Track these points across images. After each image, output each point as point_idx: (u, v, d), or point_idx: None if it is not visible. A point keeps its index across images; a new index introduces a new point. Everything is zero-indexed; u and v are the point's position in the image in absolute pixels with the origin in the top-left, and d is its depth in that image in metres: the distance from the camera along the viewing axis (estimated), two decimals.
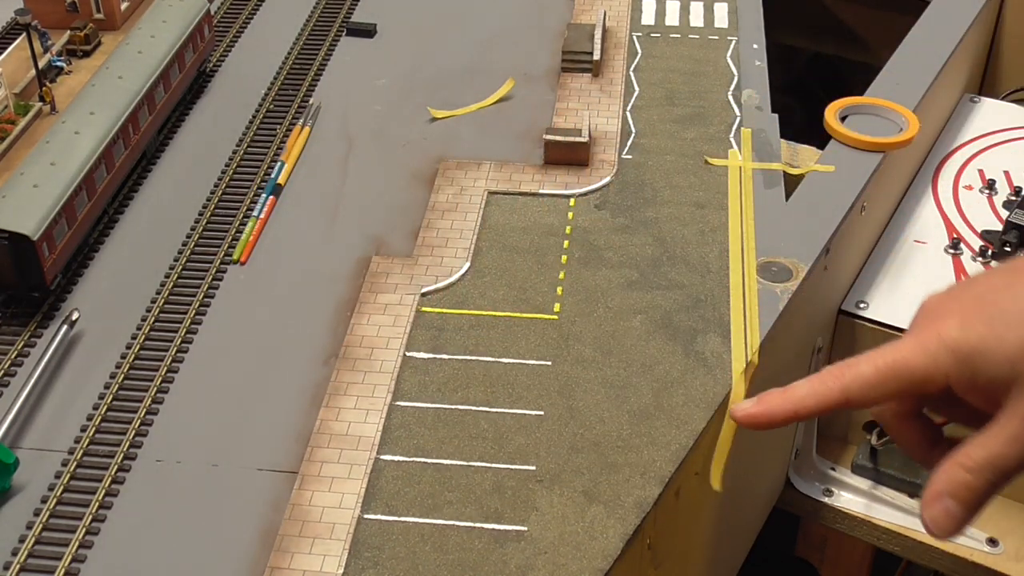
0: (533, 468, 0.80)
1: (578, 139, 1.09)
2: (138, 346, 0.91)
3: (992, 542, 1.05)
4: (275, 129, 1.16)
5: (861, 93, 1.17)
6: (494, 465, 0.81)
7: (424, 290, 0.95)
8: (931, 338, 0.68)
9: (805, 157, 1.09)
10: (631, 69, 1.24)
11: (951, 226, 1.17)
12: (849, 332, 1.08)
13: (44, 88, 1.16)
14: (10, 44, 1.25)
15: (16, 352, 0.91)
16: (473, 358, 0.89)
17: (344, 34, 1.32)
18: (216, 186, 1.09)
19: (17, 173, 0.97)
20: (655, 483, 0.79)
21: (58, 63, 1.21)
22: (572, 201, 1.05)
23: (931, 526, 0.68)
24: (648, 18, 1.34)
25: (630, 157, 1.11)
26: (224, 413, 0.86)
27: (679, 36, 1.30)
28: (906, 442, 0.75)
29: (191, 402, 0.87)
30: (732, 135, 1.13)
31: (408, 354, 0.89)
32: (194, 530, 0.77)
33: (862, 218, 1.08)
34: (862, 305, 1.08)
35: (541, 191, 1.07)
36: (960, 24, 1.30)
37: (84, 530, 0.77)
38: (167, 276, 0.98)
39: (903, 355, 0.69)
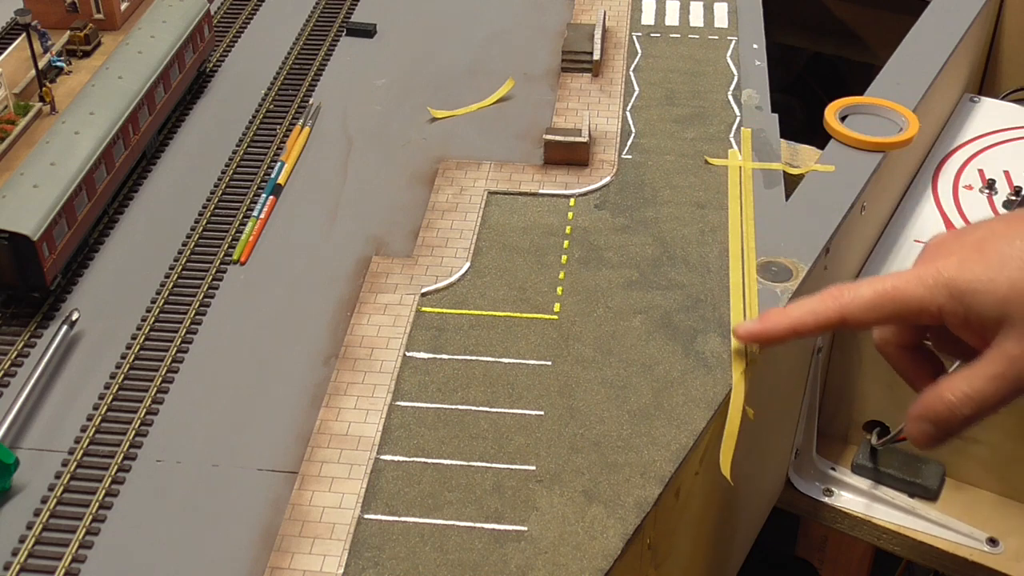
0: (533, 468, 0.80)
1: (578, 139, 1.09)
2: (138, 346, 0.91)
3: (992, 542, 1.05)
4: (275, 129, 1.16)
5: (861, 93, 1.17)
6: (494, 465, 0.81)
7: (424, 290, 0.95)
8: (930, 272, 0.73)
9: (805, 157, 1.09)
10: (631, 69, 1.24)
11: (951, 226, 1.17)
12: (849, 332, 1.08)
13: (44, 88, 1.16)
14: (10, 44, 1.25)
15: (16, 352, 0.91)
16: (473, 358, 0.89)
17: (344, 34, 1.32)
18: (216, 186, 1.09)
19: (17, 173, 0.97)
20: (655, 483, 0.79)
21: (58, 63, 1.21)
22: (572, 201, 1.05)
23: (910, 439, 0.76)
24: (648, 18, 1.34)
25: (630, 157, 1.11)
26: (224, 413, 0.86)
27: (679, 36, 1.30)
28: (905, 372, 0.80)
29: (191, 402, 0.87)
30: (732, 135, 1.13)
31: (408, 354, 0.90)
32: (194, 530, 0.77)
33: (862, 218, 1.08)
34: None
35: (541, 191, 1.07)
36: (960, 24, 1.30)
37: (84, 530, 0.77)
38: (167, 276, 0.98)
39: (902, 283, 0.74)
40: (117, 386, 0.87)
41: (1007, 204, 1.19)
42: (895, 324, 0.79)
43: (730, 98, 1.19)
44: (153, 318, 0.94)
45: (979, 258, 0.72)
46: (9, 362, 0.90)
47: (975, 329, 0.72)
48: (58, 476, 0.80)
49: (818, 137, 1.12)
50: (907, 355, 0.80)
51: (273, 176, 1.09)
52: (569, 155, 1.09)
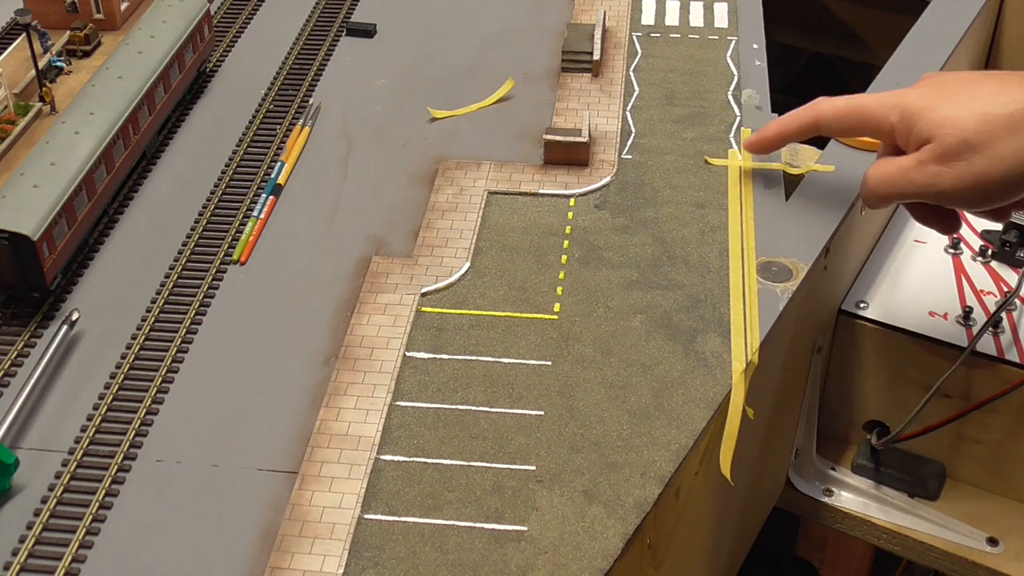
0: (533, 468, 0.80)
1: (578, 139, 1.09)
2: (138, 346, 0.91)
3: (992, 542, 1.05)
4: (275, 129, 1.17)
5: (861, 93, 1.16)
6: (494, 465, 0.81)
7: (424, 290, 0.95)
8: (894, 96, 0.90)
9: (805, 157, 1.09)
10: (631, 69, 1.24)
11: None
12: (849, 332, 1.08)
13: (44, 88, 1.16)
14: (10, 44, 1.25)
15: (16, 352, 0.91)
16: (473, 358, 0.89)
17: (344, 34, 1.32)
18: (216, 186, 1.09)
19: (17, 173, 0.97)
20: (655, 483, 0.79)
21: (58, 63, 1.21)
22: (572, 201, 1.05)
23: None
24: (648, 18, 1.34)
25: (630, 157, 1.11)
26: (224, 413, 0.86)
27: (679, 36, 1.30)
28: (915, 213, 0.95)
29: (191, 402, 0.87)
30: (732, 135, 1.13)
31: (408, 354, 0.90)
32: (194, 530, 0.77)
33: (862, 218, 1.08)
34: (862, 305, 1.08)
35: (541, 191, 1.07)
36: (960, 24, 1.30)
37: (84, 530, 0.77)
38: (167, 276, 0.98)
39: (868, 101, 0.92)
40: (117, 386, 0.87)
41: None
42: (858, 135, 0.99)
43: (730, 98, 1.19)
44: (153, 318, 0.94)
45: (936, 91, 0.87)
46: (9, 362, 0.90)
47: (914, 147, 0.87)
48: (58, 476, 0.80)
49: (818, 137, 1.12)
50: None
51: (273, 176, 1.09)
52: (569, 155, 1.09)
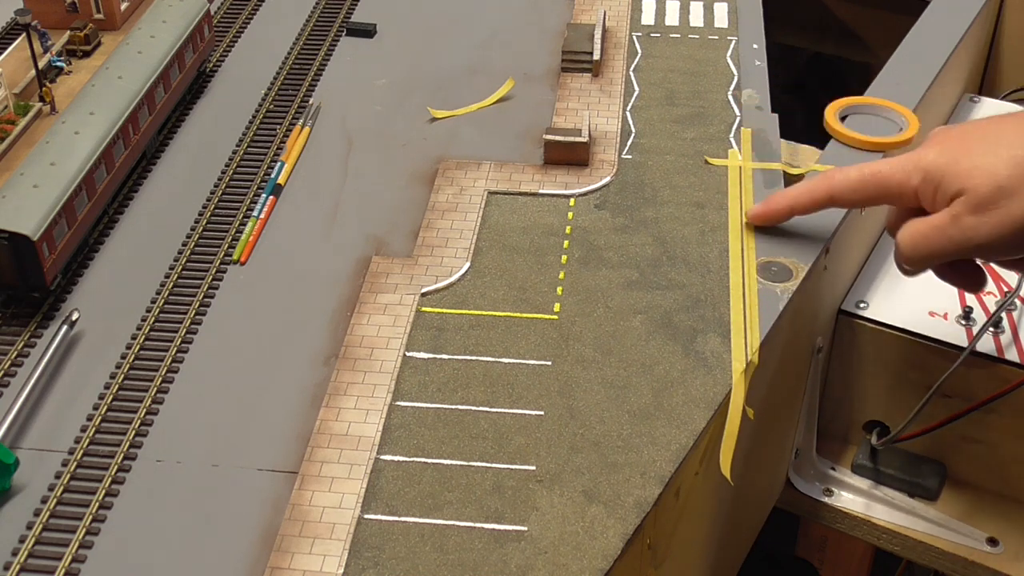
0: (533, 468, 0.80)
1: (578, 139, 1.09)
2: (138, 346, 0.91)
3: (992, 542, 1.05)
4: (275, 129, 1.17)
5: (861, 93, 1.17)
6: (494, 465, 0.81)
7: (424, 290, 0.95)
8: (911, 158, 0.86)
9: (805, 157, 1.09)
10: (631, 69, 1.24)
11: None
12: (849, 332, 1.08)
13: (44, 88, 1.16)
14: (10, 44, 1.25)
15: (16, 352, 0.91)
16: (473, 358, 0.89)
17: (344, 34, 1.32)
18: (216, 186, 1.09)
19: (17, 173, 0.97)
20: (655, 483, 0.79)
21: (58, 63, 1.21)
22: (572, 201, 1.05)
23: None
24: (648, 18, 1.34)
25: (630, 157, 1.11)
26: (224, 413, 0.86)
27: (679, 36, 1.30)
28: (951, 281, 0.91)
29: (191, 402, 0.87)
30: (732, 135, 1.13)
31: (408, 354, 0.90)
32: (194, 530, 0.77)
33: (862, 218, 1.08)
34: (862, 305, 1.08)
35: (541, 191, 1.07)
36: (960, 24, 1.30)
37: (84, 530, 0.77)
38: (167, 276, 0.98)
39: (885, 168, 0.88)
40: (117, 386, 0.87)
41: None
42: (878, 204, 0.92)
43: (730, 98, 1.19)
44: (153, 318, 0.94)
45: (956, 145, 0.83)
46: (9, 362, 0.90)
47: (942, 205, 0.84)
48: (58, 476, 0.80)
49: (818, 137, 1.12)
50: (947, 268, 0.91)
51: (273, 176, 1.09)
52: (569, 155, 1.09)
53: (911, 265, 0.88)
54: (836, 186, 0.91)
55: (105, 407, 0.86)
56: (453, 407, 0.85)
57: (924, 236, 0.84)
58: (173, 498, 0.79)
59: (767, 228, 1.00)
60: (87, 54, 1.24)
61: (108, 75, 1.09)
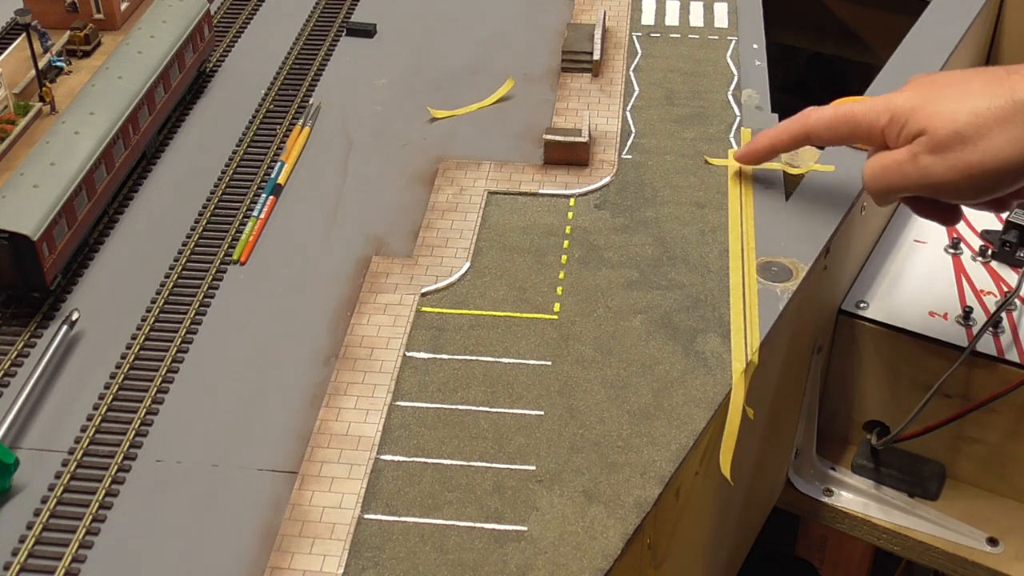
0: (533, 468, 0.80)
1: (578, 139, 1.09)
2: (138, 346, 0.91)
3: (992, 542, 1.05)
4: (275, 129, 1.17)
5: (861, 93, 1.16)
6: (494, 465, 0.81)
7: (424, 290, 0.95)
8: (883, 100, 0.90)
9: (805, 157, 1.09)
10: (631, 69, 1.24)
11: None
12: (849, 332, 1.08)
13: (44, 88, 1.16)
14: (10, 44, 1.25)
15: (16, 352, 0.91)
16: (473, 358, 0.89)
17: (344, 34, 1.32)
18: (216, 186, 1.09)
19: (17, 173, 0.97)
20: (655, 483, 0.79)
21: (58, 63, 1.21)
22: (572, 201, 1.05)
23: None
24: (648, 18, 1.34)
25: (630, 157, 1.11)
26: (224, 413, 0.86)
27: (679, 36, 1.30)
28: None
29: (191, 402, 0.87)
30: (732, 135, 1.13)
31: (408, 354, 0.90)
32: (194, 530, 0.77)
33: (862, 218, 1.08)
34: (862, 305, 1.08)
35: (541, 191, 1.07)
36: (960, 24, 1.30)
37: (84, 530, 0.77)
38: (167, 276, 0.98)
39: (857, 108, 0.92)
40: (117, 386, 0.87)
41: None
42: (849, 143, 0.99)
43: (730, 98, 1.19)
44: (153, 318, 0.94)
45: (925, 91, 0.88)
46: (9, 362, 0.90)
47: (905, 143, 0.88)
48: (58, 476, 0.80)
49: None
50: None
51: (273, 176, 1.09)
52: (569, 155, 1.09)
53: (873, 196, 0.92)
54: (811, 124, 0.96)
55: (105, 407, 0.86)
56: (453, 407, 0.85)
57: (884, 168, 0.89)
58: (173, 498, 0.79)
59: (767, 228, 1.00)
60: (87, 54, 1.24)
61: (108, 75, 1.09)
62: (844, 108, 0.93)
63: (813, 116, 0.96)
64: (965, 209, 1.19)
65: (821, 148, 1.05)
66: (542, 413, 0.85)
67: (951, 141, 0.84)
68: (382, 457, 0.81)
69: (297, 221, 1.04)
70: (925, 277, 1.12)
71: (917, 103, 0.87)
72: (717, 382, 0.86)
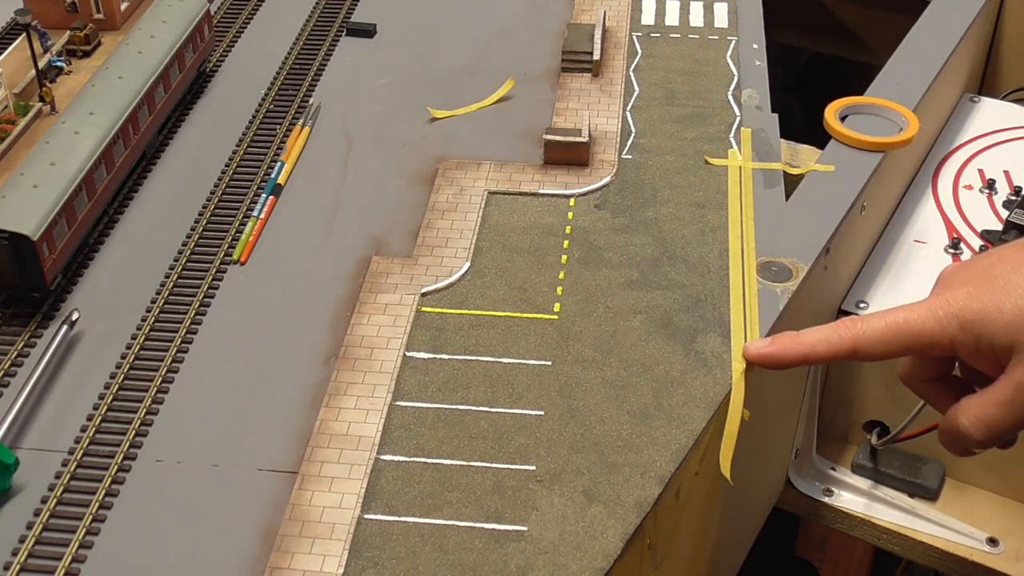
0: (533, 468, 0.80)
1: (578, 139, 1.09)
2: (138, 346, 0.91)
3: (992, 542, 1.05)
4: (275, 129, 1.16)
5: (861, 93, 1.17)
6: (494, 465, 0.81)
7: (424, 290, 0.95)
8: (940, 304, 0.75)
9: (805, 157, 1.09)
10: (631, 69, 1.24)
11: (951, 226, 1.17)
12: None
13: (44, 88, 1.16)
14: (10, 44, 1.25)
15: (16, 352, 0.91)
16: (473, 358, 0.89)
17: (344, 34, 1.32)
18: (216, 186, 1.09)
19: (17, 173, 0.97)
20: (655, 483, 0.79)
21: (58, 63, 1.21)
22: (572, 201, 1.05)
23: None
24: (648, 18, 1.34)
25: (630, 157, 1.11)
26: (224, 413, 0.86)
27: (679, 36, 1.30)
28: (932, 402, 0.81)
29: (191, 402, 0.87)
30: (732, 135, 1.13)
31: (408, 354, 0.90)
32: (194, 530, 0.77)
33: (862, 218, 1.08)
34: (862, 305, 1.08)
35: (541, 191, 1.07)
36: (960, 24, 1.30)
37: (84, 530, 0.77)
38: (167, 276, 0.98)
39: (913, 316, 0.76)
40: (117, 386, 0.87)
41: (1007, 204, 1.19)
42: (907, 355, 0.81)
43: (730, 98, 1.19)
44: (153, 318, 0.94)
45: (987, 286, 0.73)
46: (9, 362, 0.90)
47: (988, 358, 0.74)
48: (58, 476, 0.80)
49: (818, 137, 1.12)
50: (932, 387, 0.81)
51: (273, 176, 1.09)
52: (569, 155, 1.09)
53: (986, 447, 0.77)
54: (861, 339, 0.79)
55: (105, 407, 0.86)
56: (453, 407, 0.85)
57: (994, 417, 0.74)
58: (173, 498, 0.79)
59: (767, 228, 1.00)
60: (87, 54, 1.24)
61: (108, 75, 1.09)
62: (896, 320, 0.77)
63: (859, 328, 0.79)
64: (966, 209, 1.20)
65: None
66: (542, 413, 0.85)
67: None
68: (382, 457, 0.81)
69: (297, 221, 1.04)
70: (925, 277, 1.11)
71: (986, 303, 0.73)
72: (717, 382, 0.86)
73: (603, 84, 1.22)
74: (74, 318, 0.91)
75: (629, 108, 1.18)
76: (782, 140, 1.12)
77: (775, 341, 0.84)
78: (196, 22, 1.19)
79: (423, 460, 0.81)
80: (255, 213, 1.04)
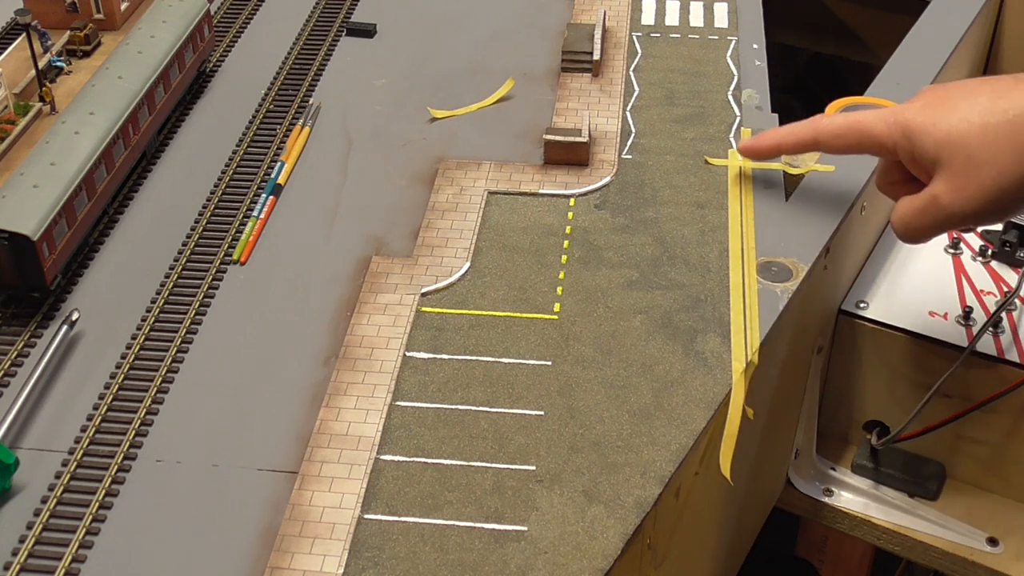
0: (533, 468, 0.80)
1: (578, 139, 1.09)
2: (138, 346, 0.91)
3: (992, 542, 1.05)
4: (275, 129, 1.17)
5: (861, 93, 1.17)
6: (494, 465, 0.81)
7: (424, 290, 0.95)
8: (894, 111, 0.87)
9: (805, 157, 1.09)
10: (631, 69, 1.24)
11: None
12: (849, 332, 1.08)
13: (44, 88, 1.16)
14: (10, 44, 1.25)
15: (16, 352, 0.91)
16: (473, 358, 0.89)
17: (344, 34, 1.32)
18: (216, 186, 1.09)
19: (17, 173, 0.97)
20: (655, 483, 0.79)
21: (58, 63, 1.21)
22: (572, 201, 1.05)
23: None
24: (648, 18, 1.34)
25: (630, 157, 1.11)
26: (224, 413, 0.86)
27: (679, 36, 1.30)
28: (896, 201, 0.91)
29: (191, 402, 0.87)
30: (732, 135, 1.13)
31: (408, 354, 0.90)
32: (194, 530, 0.77)
33: (862, 218, 1.08)
34: (862, 305, 1.08)
35: (541, 191, 1.07)
36: (960, 24, 1.30)
37: (84, 530, 0.77)
38: (167, 276, 0.98)
39: (868, 119, 0.89)
40: (117, 386, 0.87)
41: None
42: (858, 153, 0.93)
43: (730, 98, 1.19)
44: (153, 318, 0.94)
45: (937, 104, 0.84)
46: (9, 362, 0.90)
47: (921, 167, 0.86)
48: (58, 476, 0.81)
49: None
50: (896, 188, 0.91)
51: (273, 176, 1.09)
52: (569, 155, 1.09)
53: (907, 242, 0.91)
54: (822, 130, 0.94)
55: (105, 407, 0.86)
56: (453, 407, 0.85)
57: (909, 220, 0.87)
58: (173, 498, 0.79)
59: (767, 228, 1.00)
60: (87, 54, 1.24)
61: (108, 75, 1.09)
62: (855, 117, 0.90)
63: (823, 122, 0.94)
64: None
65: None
66: (542, 413, 0.85)
67: (966, 168, 0.82)
68: (382, 457, 0.81)
69: (297, 221, 1.04)
70: (925, 277, 1.12)
71: (927, 119, 0.84)
72: (717, 382, 0.86)
73: (603, 84, 1.22)
74: (74, 318, 0.91)
75: (629, 108, 1.18)
76: None
77: (756, 138, 1.01)
78: (196, 22, 1.19)
79: (423, 460, 0.81)
80: (255, 213, 1.04)
